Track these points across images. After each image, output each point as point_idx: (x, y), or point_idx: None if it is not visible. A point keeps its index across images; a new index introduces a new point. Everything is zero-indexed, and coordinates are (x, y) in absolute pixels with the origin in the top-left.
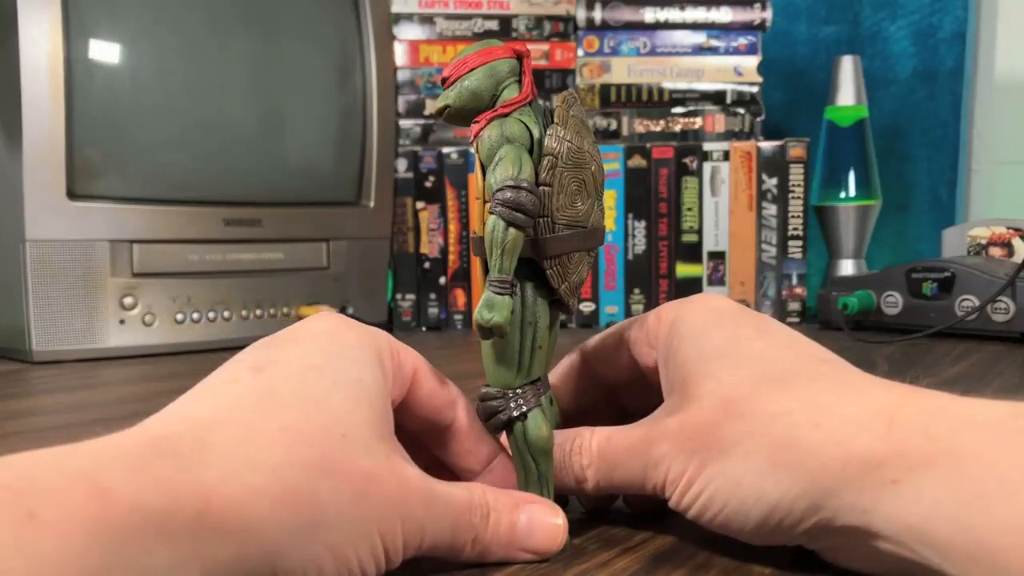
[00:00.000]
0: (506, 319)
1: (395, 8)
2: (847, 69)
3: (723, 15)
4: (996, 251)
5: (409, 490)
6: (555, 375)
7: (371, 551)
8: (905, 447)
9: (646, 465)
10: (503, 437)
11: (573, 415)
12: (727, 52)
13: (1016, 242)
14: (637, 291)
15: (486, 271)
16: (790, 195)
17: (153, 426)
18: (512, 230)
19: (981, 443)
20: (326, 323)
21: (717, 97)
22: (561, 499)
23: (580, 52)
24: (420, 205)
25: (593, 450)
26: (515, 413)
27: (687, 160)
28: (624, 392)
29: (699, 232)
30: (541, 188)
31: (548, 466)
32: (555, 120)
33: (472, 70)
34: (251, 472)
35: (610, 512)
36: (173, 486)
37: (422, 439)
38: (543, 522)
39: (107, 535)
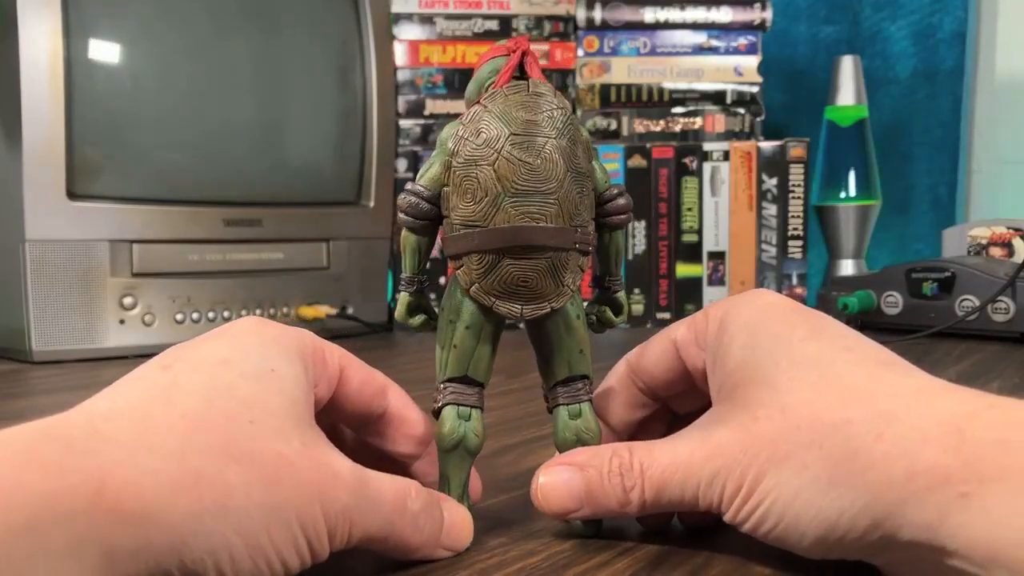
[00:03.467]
0: (400, 315)
1: (395, 8)
2: (847, 69)
3: (723, 15)
4: (996, 251)
5: (330, 475)
6: (603, 387)
7: (290, 540)
8: (976, 459)
9: (699, 483)
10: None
11: (627, 429)
12: (727, 52)
13: (1016, 242)
14: (637, 291)
15: None
16: (790, 195)
17: (47, 420)
18: (403, 231)
19: None
20: (243, 324)
21: (717, 97)
22: (596, 523)
23: (580, 52)
24: None
25: (636, 470)
26: (435, 406)
27: (687, 160)
28: (675, 398)
29: (699, 232)
30: (443, 189)
31: (447, 466)
32: (460, 119)
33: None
34: (148, 456)
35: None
36: (61, 469)
37: (360, 433)
38: (459, 518)
39: None
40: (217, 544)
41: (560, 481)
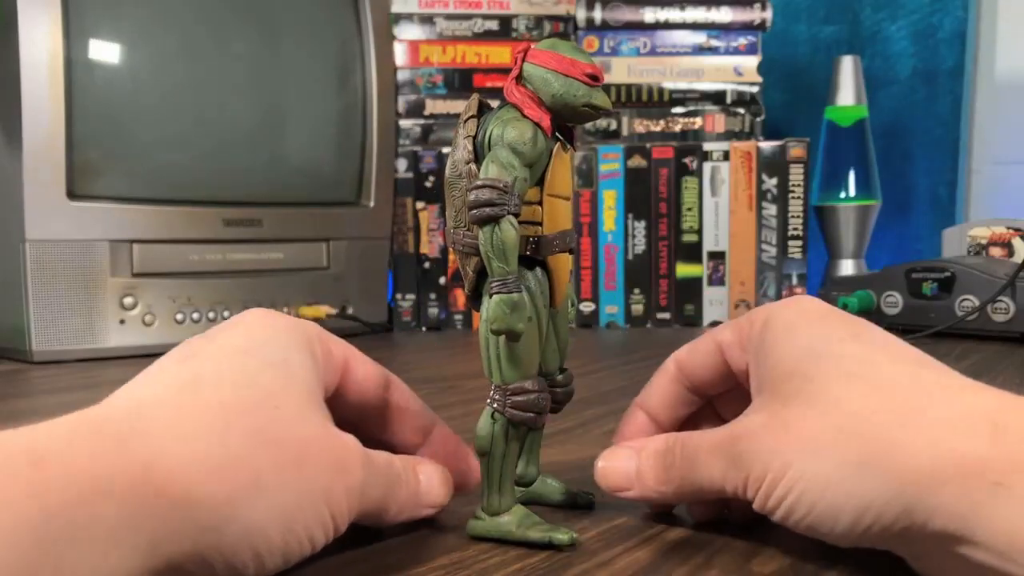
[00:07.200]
0: None
1: (395, 8)
2: (847, 69)
3: (723, 15)
4: (996, 251)
5: (347, 453)
6: (650, 385)
7: (317, 517)
8: (1011, 450)
9: (728, 464)
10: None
11: (673, 426)
12: (727, 52)
13: (1016, 242)
14: (637, 291)
15: None
16: (790, 195)
17: (87, 410)
18: None
19: None
20: (254, 315)
21: (717, 97)
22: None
23: None
24: (420, 205)
25: (676, 451)
26: None
27: (687, 160)
28: (721, 401)
29: (699, 232)
30: None
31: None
32: None
33: None
34: (190, 443)
35: (623, 509)
36: (110, 457)
37: (362, 425)
38: (437, 477)
39: (47, 496)
40: (254, 525)
41: (617, 462)
